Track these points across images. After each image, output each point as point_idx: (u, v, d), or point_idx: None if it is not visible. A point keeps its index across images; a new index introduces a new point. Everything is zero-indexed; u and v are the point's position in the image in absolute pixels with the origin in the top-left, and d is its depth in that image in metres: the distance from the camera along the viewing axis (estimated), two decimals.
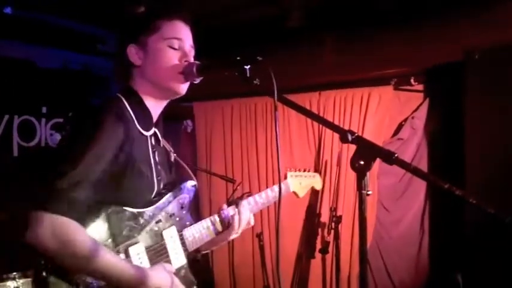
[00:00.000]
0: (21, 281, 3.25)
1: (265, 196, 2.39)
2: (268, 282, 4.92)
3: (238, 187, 4.18)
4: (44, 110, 4.62)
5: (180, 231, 1.93)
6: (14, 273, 3.26)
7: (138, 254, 1.75)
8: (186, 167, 2.12)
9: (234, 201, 2.22)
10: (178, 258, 1.88)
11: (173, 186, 1.98)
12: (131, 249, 1.73)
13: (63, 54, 4.72)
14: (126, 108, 1.80)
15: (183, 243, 1.92)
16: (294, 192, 2.73)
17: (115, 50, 1.97)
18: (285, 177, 2.69)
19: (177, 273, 1.85)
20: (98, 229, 1.67)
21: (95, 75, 4.89)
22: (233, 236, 2.19)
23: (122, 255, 1.70)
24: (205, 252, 2.26)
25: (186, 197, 1.98)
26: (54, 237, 1.52)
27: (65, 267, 1.59)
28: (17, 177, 4.20)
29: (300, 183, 2.73)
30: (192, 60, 1.88)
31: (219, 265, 5.24)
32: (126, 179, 1.73)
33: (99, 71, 4.88)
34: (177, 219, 1.92)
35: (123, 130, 1.70)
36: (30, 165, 4.30)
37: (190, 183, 2.05)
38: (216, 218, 2.15)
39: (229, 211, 2.17)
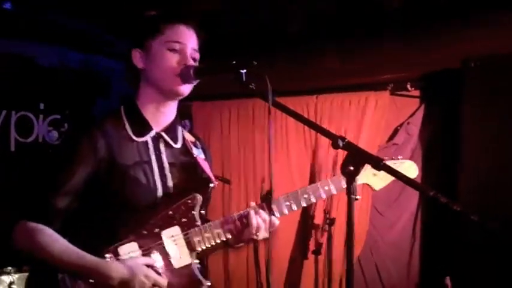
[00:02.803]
0: (17, 275, 3.25)
1: (311, 192, 2.13)
2: (262, 281, 4.93)
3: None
4: (42, 106, 4.59)
5: (185, 231, 1.90)
6: (9, 267, 3.26)
7: (129, 252, 1.80)
8: (204, 167, 2.12)
9: (265, 200, 2.04)
10: (181, 257, 1.88)
11: (187, 186, 1.97)
12: (121, 249, 1.80)
13: (62, 51, 4.71)
14: (122, 118, 1.93)
15: (189, 243, 1.90)
16: (368, 185, 2.31)
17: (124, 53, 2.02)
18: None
19: (179, 272, 1.86)
20: (90, 232, 1.82)
21: (94, 72, 4.88)
22: (258, 236, 1.98)
23: (110, 255, 1.77)
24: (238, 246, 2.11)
25: (197, 197, 1.95)
26: (24, 242, 1.78)
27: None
28: (13, 172, 4.22)
29: (375, 173, 2.26)
30: (192, 63, 1.90)
31: (214, 264, 5.25)
32: (115, 184, 1.82)
33: (98, 69, 4.88)
34: (184, 219, 1.90)
35: (104, 141, 1.83)
36: (27, 161, 4.31)
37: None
38: (235, 215, 2.00)
39: (248, 210, 1.99)
